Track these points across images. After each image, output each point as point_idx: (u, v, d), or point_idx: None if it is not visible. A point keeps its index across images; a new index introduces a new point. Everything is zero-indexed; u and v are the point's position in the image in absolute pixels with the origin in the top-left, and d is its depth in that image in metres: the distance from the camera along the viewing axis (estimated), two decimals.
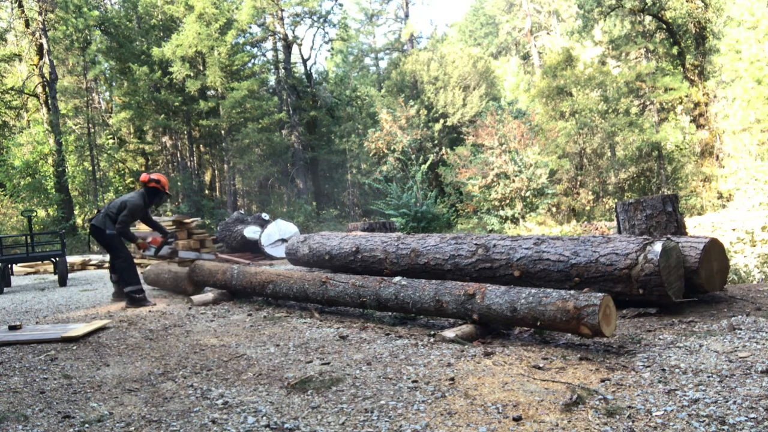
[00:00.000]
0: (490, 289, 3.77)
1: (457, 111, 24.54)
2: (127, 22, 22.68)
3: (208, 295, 6.00)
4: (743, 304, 4.38)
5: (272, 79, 28.82)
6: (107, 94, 25.78)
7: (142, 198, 6.21)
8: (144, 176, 6.28)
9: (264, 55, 29.31)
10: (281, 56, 28.56)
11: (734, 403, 2.38)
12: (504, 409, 2.48)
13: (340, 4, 43.43)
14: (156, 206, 6.69)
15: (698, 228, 12.27)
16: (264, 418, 2.53)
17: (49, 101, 20.10)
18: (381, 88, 30.25)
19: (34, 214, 12.78)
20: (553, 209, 20.43)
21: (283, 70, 28.16)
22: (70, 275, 10.11)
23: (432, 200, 17.32)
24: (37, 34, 19.83)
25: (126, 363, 3.65)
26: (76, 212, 21.62)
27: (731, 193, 18.41)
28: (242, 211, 16.23)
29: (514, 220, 18.20)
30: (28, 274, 11.31)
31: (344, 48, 36.48)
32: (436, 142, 24.24)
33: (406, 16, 39.85)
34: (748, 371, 2.76)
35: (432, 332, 3.99)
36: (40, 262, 11.20)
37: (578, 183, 22.28)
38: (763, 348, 3.13)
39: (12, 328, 4.73)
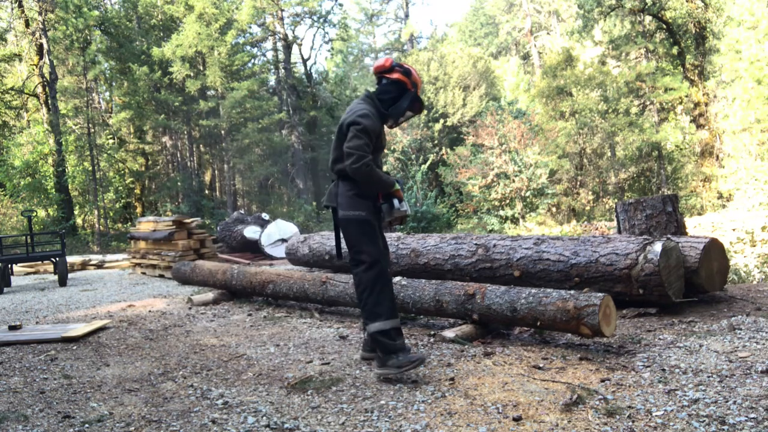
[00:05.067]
0: (490, 289, 3.77)
1: (457, 111, 24.53)
2: (127, 22, 22.68)
3: (208, 295, 5.99)
4: (743, 304, 4.38)
5: (272, 79, 28.84)
6: (107, 94, 25.78)
7: (374, 105, 3.25)
8: (384, 61, 3.30)
9: (264, 55, 29.35)
10: (281, 56, 28.57)
11: (734, 403, 2.38)
12: (504, 409, 2.48)
13: (340, 4, 43.35)
14: (398, 123, 3.35)
15: (698, 228, 12.25)
16: (264, 418, 2.53)
17: (49, 101, 20.08)
18: None
19: (34, 214, 12.76)
20: (553, 209, 20.43)
21: (283, 70, 28.17)
22: (70, 275, 10.10)
23: (432, 200, 17.33)
24: (37, 34, 19.82)
25: (126, 363, 3.65)
26: (76, 212, 21.62)
27: (731, 193, 18.40)
28: (242, 211, 16.22)
29: (514, 220, 18.20)
30: (28, 274, 11.30)
31: (344, 48, 36.49)
32: (436, 142, 24.23)
33: (406, 16, 39.89)
34: (748, 371, 2.76)
35: (432, 332, 3.99)
36: (40, 262, 11.18)
37: (578, 183, 22.28)
38: (763, 348, 3.13)
39: (12, 328, 4.73)
